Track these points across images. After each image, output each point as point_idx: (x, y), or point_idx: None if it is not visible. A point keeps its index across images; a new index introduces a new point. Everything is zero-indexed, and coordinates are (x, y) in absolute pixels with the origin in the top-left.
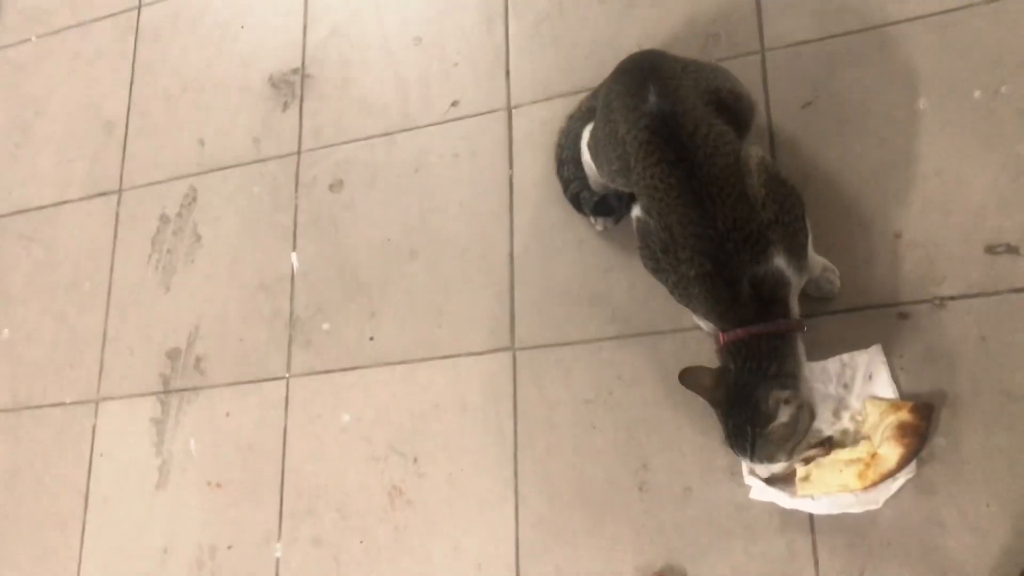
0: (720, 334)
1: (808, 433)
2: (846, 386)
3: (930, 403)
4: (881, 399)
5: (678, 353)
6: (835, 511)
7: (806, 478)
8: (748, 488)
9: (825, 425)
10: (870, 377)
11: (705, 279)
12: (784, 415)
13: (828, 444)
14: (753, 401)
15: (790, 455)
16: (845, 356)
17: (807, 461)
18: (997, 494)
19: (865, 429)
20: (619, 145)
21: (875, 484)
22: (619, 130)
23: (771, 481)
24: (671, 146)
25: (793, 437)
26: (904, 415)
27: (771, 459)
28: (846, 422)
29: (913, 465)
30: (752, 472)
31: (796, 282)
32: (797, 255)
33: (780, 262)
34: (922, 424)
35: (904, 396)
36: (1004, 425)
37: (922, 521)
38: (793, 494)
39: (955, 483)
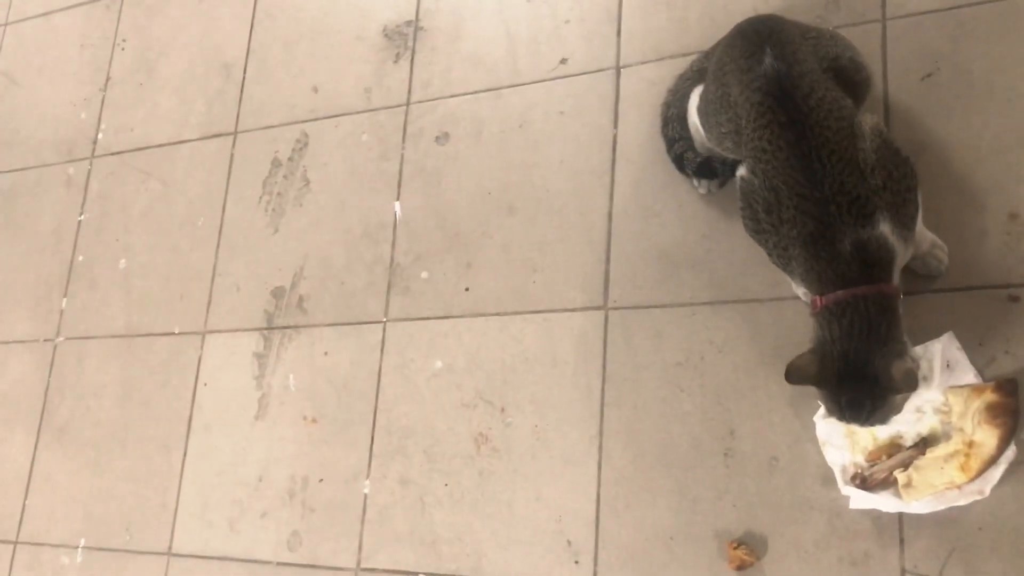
0: (817, 299)
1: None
2: (925, 379)
3: (1013, 378)
4: (962, 386)
5: (773, 322)
6: (941, 507)
7: (908, 484)
8: (833, 465)
9: (907, 425)
10: (948, 366)
11: (808, 240)
12: (907, 384)
13: (922, 444)
14: (871, 373)
15: (899, 411)
16: (918, 348)
17: (905, 466)
18: None
19: (954, 420)
20: (731, 107)
21: (980, 473)
22: (732, 92)
23: (868, 487)
24: (784, 108)
25: (908, 398)
26: (990, 396)
27: (886, 422)
28: (932, 417)
29: (1012, 446)
30: (849, 483)
31: (901, 252)
32: (904, 225)
33: (885, 228)
34: (1011, 401)
35: (987, 379)
36: None
37: (1018, 509)
38: (895, 497)
39: None
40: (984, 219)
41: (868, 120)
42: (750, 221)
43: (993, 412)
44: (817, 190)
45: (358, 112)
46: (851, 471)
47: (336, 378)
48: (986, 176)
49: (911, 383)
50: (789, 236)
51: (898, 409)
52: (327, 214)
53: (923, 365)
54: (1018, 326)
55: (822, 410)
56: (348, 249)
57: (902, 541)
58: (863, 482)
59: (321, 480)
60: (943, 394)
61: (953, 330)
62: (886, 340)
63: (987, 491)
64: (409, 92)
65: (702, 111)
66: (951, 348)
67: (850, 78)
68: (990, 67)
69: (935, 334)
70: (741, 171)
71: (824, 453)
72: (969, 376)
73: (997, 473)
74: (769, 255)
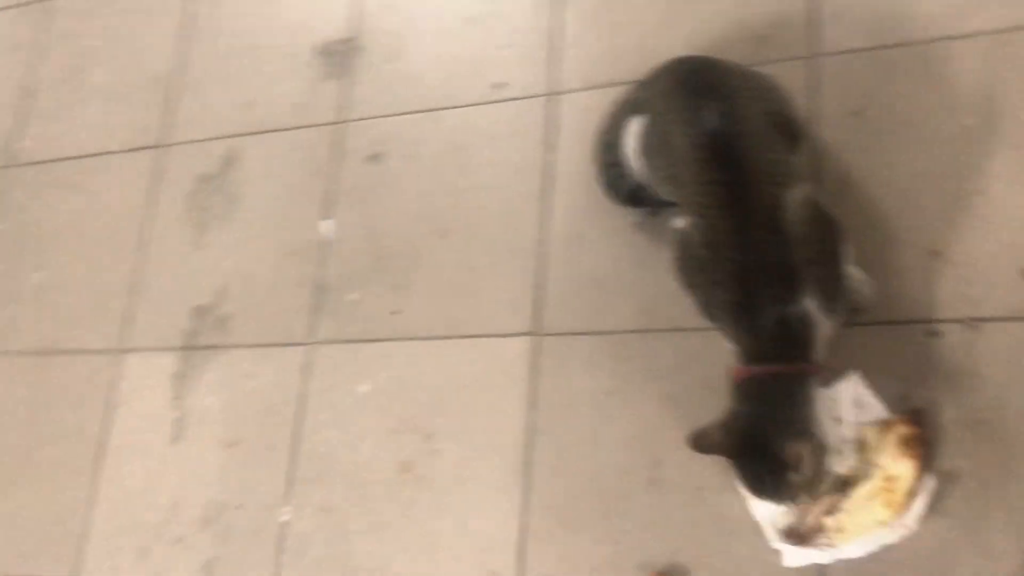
0: (737, 368)
1: (827, 470)
2: (838, 420)
3: (919, 407)
4: (874, 422)
5: (702, 352)
6: (875, 548)
7: (840, 529)
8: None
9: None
10: (857, 404)
11: (733, 307)
12: (804, 465)
13: (844, 486)
14: (770, 452)
15: (813, 493)
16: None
17: (832, 512)
18: (1014, 521)
19: (871, 457)
20: (672, 155)
21: (904, 507)
22: (674, 142)
23: (800, 540)
24: (727, 169)
25: (815, 478)
26: (902, 429)
27: (795, 500)
28: (850, 457)
29: (931, 477)
30: (783, 539)
31: (826, 325)
32: (830, 298)
33: (810, 304)
34: (922, 431)
35: (894, 411)
36: None
37: (936, 543)
38: (829, 548)
39: (973, 507)
40: (906, 255)
41: (801, 190)
42: (682, 274)
43: (907, 444)
44: (749, 257)
45: (290, 129)
46: (781, 524)
47: (257, 401)
48: (910, 213)
49: (797, 464)
50: (718, 298)
51: (806, 488)
52: (254, 232)
53: (834, 408)
54: (937, 361)
55: None
56: (274, 268)
57: (823, 574)
58: (799, 538)
59: (239, 506)
60: (857, 433)
61: (875, 364)
62: (792, 420)
63: (914, 525)
64: (343, 111)
65: (643, 149)
66: (858, 387)
67: (787, 130)
68: (914, 106)
69: (859, 367)
70: (678, 223)
71: (750, 508)
72: (879, 412)
73: (921, 505)
74: (700, 311)
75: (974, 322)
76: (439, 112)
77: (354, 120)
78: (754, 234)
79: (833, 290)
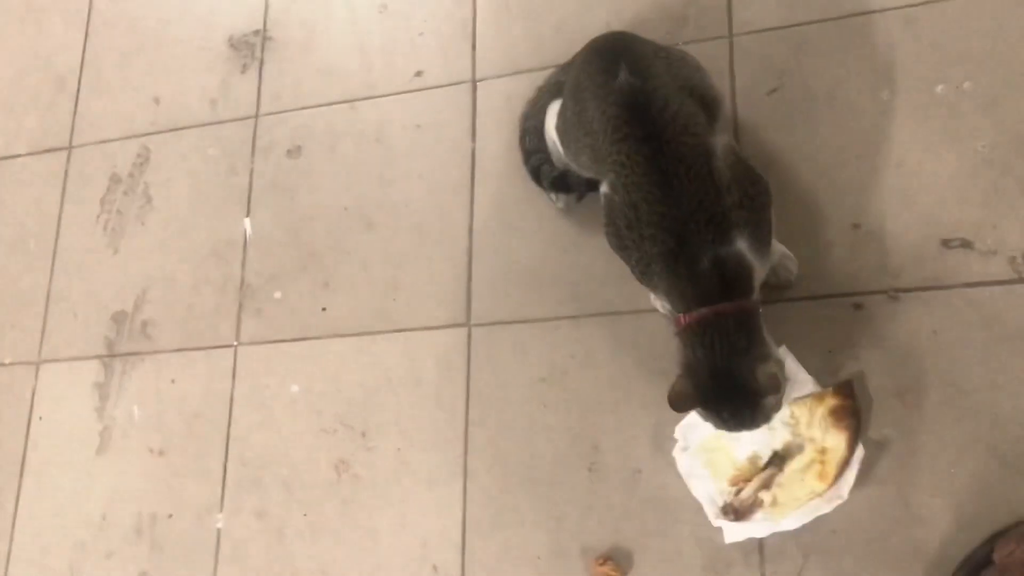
0: (680, 317)
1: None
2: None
3: (849, 380)
4: (804, 396)
5: (634, 334)
6: (809, 519)
7: (775, 503)
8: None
9: (762, 444)
10: (787, 380)
11: (668, 257)
12: (771, 386)
13: (779, 460)
14: (740, 383)
15: (779, 408)
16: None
17: (767, 486)
18: (942, 486)
19: (804, 431)
20: (588, 123)
21: (837, 478)
22: (588, 108)
23: (741, 516)
24: (640, 122)
25: (782, 396)
26: (831, 401)
27: (768, 421)
28: (783, 432)
29: (860, 446)
30: (721, 516)
31: (759, 268)
32: (760, 240)
33: (742, 245)
34: (851, 403)
35: (830, 384)
36: (952, 418)
37: (868, 511)
38: (769, 521)
39: (902, 474)
40: (829, 230)
41: (721, 139)
42: (614, 238)
43: (837, 416)
44: (675, 207)
45: (203, 125)
46: (720, 502)
47: (185, 407)
48: (831, 187)
49: (775, 385)
50: (650, 253)
51: (777, 407)
52: (171, 233)
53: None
54: (862, 333)
55: (680, 444)
56: (195, 269)
57: (762, 549)
58: (736, 513)
59: (171, 516)
60: (788, 407)
61: (803, 338)
62: (748, 350)
63: (846, 494)
64: (258, 104)
65: (560, 128)
66: (788, 361)
67: (701, 98)
68: (831, 82)
69: (787, 342)
70: (604, 187)
71: (689, 487)
72: (808, 386)
73: (852, 475)
74: (632, 271)
75: (896, 293)
76: (358, 102)
77: (271, 113)
78: (678, 183)
79: (762, 232)
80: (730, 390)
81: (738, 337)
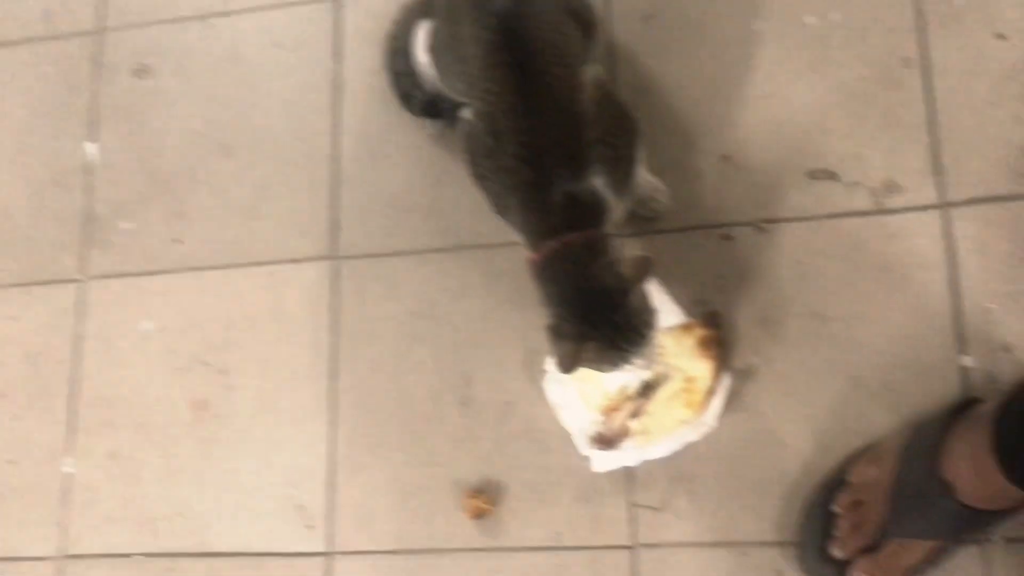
0: (533, 257)
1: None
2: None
3: (715, 311)
4: (672, 327)
5: (507, 268)
6: (679, 446)
7: (644, 431)
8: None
9: (631, 375)
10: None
11: (523, 188)
12: (641, 272)
13: (648, 390)
14: (608, 297)
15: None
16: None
17: (637, 415)
18: (803, 412)
19: (672, 360)
20: (461, 47)
21: (704, 405)
22: (462, 31)
23: (611, 445)
24: (512, 48)
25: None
26: (698, 331)
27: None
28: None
29: (727, 375)
30: (591, 445)
31: (614, 206)
32: (619, 180)
33: (599, 182)
34: (717, 332)
35: (691, 315)
36: (812, 346)
37: (733, 438)
38: (638, 449)
39: (765, 400)
40: (699, 161)
41: (591, 71)
42: (472, 166)
43: (704, 345)
44: (536, 138)
45: (37, 39)
46: (590, 431)
47: (25, 346)
48: (701, 118)
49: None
50: (506, 184)
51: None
52: (3, 160)
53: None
54: (730, 264)
55: (551, 373)
56: (32, 199)
57: (632, 477)
58: (606, 443)
59: (11, 461)
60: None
61: (672, 270)
62: (612, 266)
63: (713, 422)
64: (102, 18)
65: (434, 50)
66: (656, 292)
67: (580, 19)
68: (705, 10)
69: (656, 273)
70: (465, 113)
71: (560, 418)
72: (677, 316)
73: (719, 403)
74: (489, 204)
75: (764, 224)
76: (212, 19)
77: (115, 29)
78: (541, 115)
79: (622, 172)
80: (603, 308)
81: (590, 258)
